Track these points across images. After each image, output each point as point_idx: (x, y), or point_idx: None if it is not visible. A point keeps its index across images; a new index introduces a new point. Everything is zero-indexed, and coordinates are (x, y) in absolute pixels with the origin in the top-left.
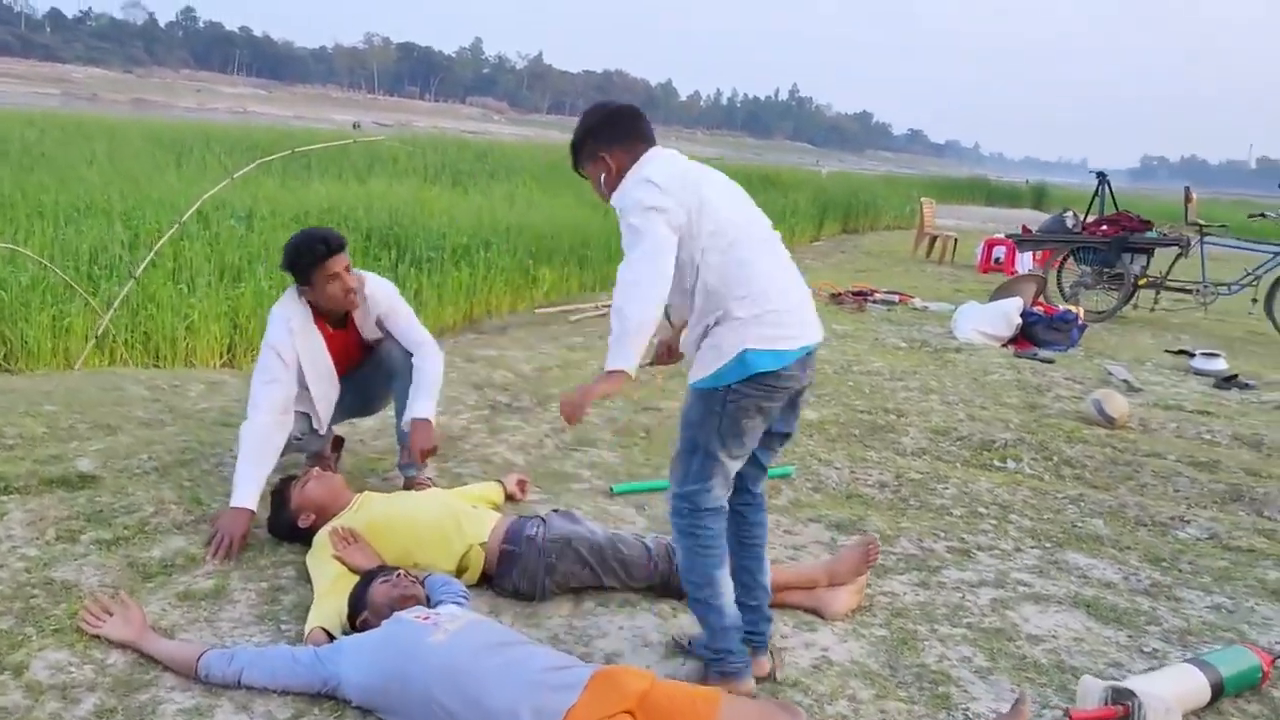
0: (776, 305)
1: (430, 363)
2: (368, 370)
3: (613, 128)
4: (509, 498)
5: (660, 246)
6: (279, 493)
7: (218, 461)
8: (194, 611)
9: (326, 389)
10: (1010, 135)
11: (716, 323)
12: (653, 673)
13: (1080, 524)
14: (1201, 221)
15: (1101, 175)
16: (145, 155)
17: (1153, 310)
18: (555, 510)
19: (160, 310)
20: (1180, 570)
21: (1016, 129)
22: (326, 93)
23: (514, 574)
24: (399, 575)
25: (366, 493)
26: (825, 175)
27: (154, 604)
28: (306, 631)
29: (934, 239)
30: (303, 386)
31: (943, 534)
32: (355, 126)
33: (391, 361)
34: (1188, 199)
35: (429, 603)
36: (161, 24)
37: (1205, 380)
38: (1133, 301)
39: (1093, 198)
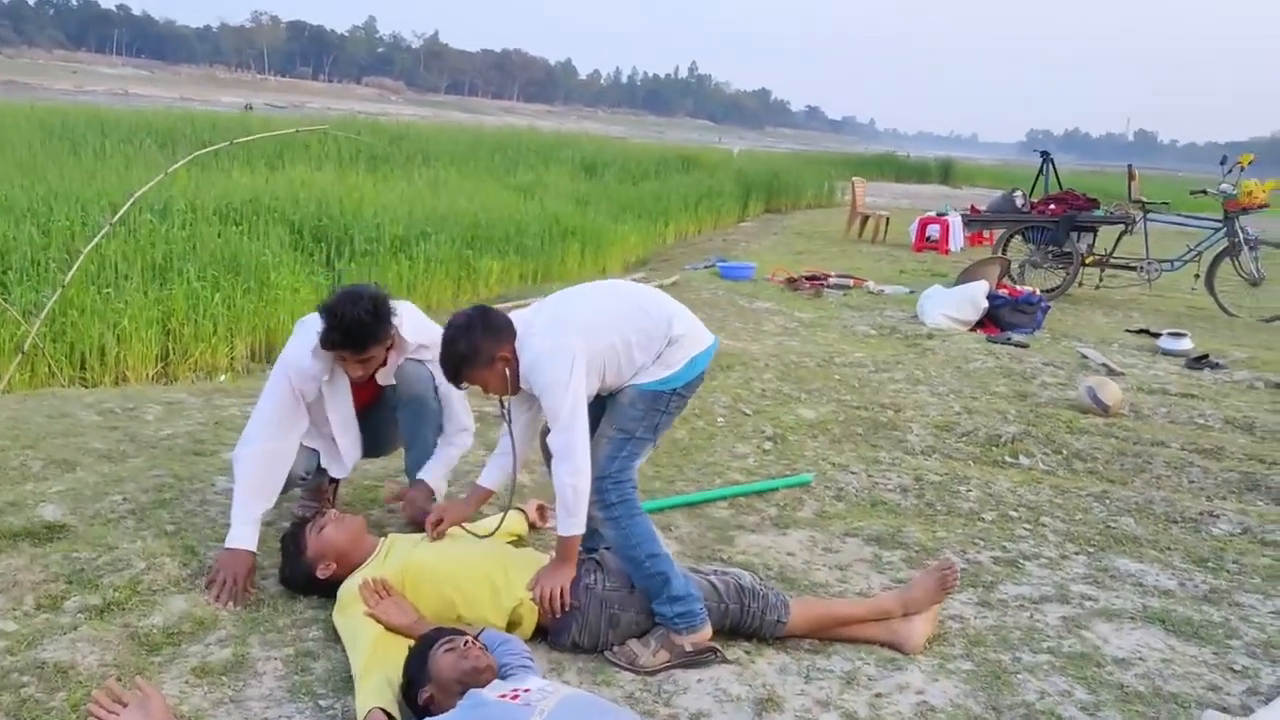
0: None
1: (461, 444)
2: (383, 409)
3: (490, 324)
4: (530, 526)
5: (579, 409)
6: (293, 538)
7: (200, 500)
8: (216, 690)
9: (350, 432)
10: (903, 111)
11: (658, 356)
12: None
13: (1112, 524)
14: (1145, 199)
15: (1045, 155)
16: (37, 145)
17: (1097, 288)
18: (607, 547)
19: (85, 318)
20: (1229, 572)
21: (909, 105)
22: (213, 73)
23: (573, 629)
24: (467, 643)
25: (392, 536)
26: (736, 155)
27: (168, 684)
28: (361, 713)
29: (866, 218)
30: (320, 425)
31: (982, 542)
32: (247, 108)
33: (404, 385)
34: (1131, 177)
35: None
36: (30, 1)
37: (1175, 360)
38: (1078, 280)
39: (1037, 176)
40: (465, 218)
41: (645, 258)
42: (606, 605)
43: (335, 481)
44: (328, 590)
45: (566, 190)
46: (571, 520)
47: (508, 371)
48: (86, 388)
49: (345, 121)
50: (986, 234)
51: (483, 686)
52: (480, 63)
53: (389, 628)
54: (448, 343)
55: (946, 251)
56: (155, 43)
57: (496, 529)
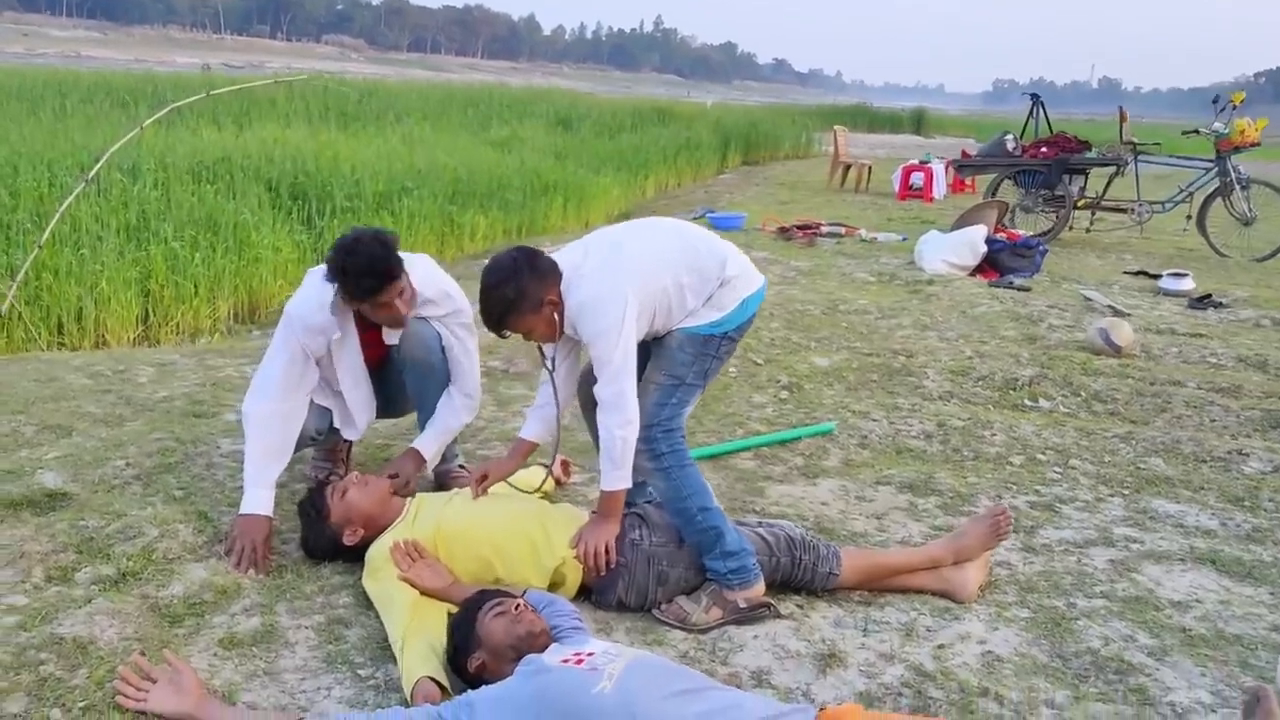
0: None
1: (462, 414)
2: (394, 369)
3: (537, 266)
4: (556, 483)
5: (631, 358)
6: (312, 503)
7: (206, 463)
8: (247, 662)
9: (362, 392)
10: (870, 63)
11: (709, 299)
12: (861, 708)
13: (1142, 465)
14: (1135, 140)
15: (1035, 97)
16: None
17: (1088, 231)
18: (648, 501)
19: (60, 280)
20: (1266, 510)
21: (876, 57)
22: (168, 33)
23: (619, 587)
24: (518, 606)
25: (419, 495)
26: (710, 107)
27: (195, 657)
28: (408, 683)
29: (848, 167)
30: (331, 383)
31: (1015, 487)
32: (205, 69)
33: (408, 347)
34: (1122, 118)
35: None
36: None
37: (1178, 301)
38: (1069, 223)
39: (1027, 120)
40: (446, 173)
41: (628, 210)
42: (654, 561)
43: (349, 441)
44: (353, 555)
45: (543, 145)
46: (617, 473)
47: (555, 316)
48: (69, 351)
49: (311, 79)
50: (968, 180)
51: (538, 651)
52: (442, 19)
53: (424, 592)
54: (491, 288)
55: (931, 199)
56: (108, 3)
57: (543, 484)
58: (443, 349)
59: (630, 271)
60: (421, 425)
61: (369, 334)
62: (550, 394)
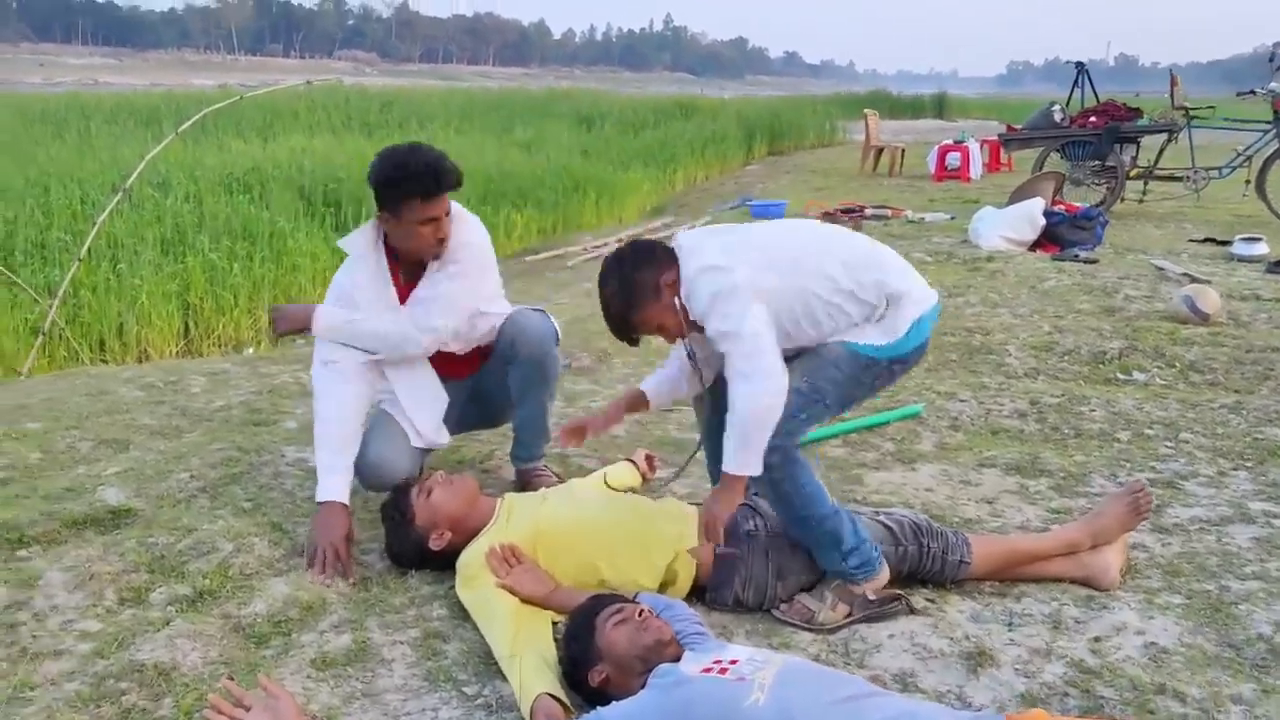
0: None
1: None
2: (484, 377)
3: (640, 251)
4: (642, 479)
5: (764, 333)
6: (395, 505)
7: (273, 472)
8: (343, 684)
9: (419, 375)
10: (882, 51)
11: (879, 317)
12: (1046, 715)
13: (1259, 435)
14: (1189, 104)
15: (1080, 66)
16: (20, 130)
17: (1141, 202)
18: (755, 493)
19: (99, 297)
20: None
21: (887, 45)
22: (183, 57)
23: (735, 584)
24: (642, 613)
25: (509, 496)
26: (728, 99)
27: (288, 680)
28: (525, 701)
29: (880, 151)
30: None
31: (1128, 464)
32: (223, 89)
33: (522, 339)
34: (1173, 83)
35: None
36: None
37: (1254, 266)
38: (1121, 194)
39: (1072, 90)
40: (476, 174)
41: (661, 205)
42: (772, 554)
43: None
44: (442, 563)
45: (568, 144)
46: (744, 454)
47: (678, 301)
48: (114, 366)
49: (331, 89)
50: (1005, 159)
51: (668, 660)
52: (452, 28)
53: (523, 599)
54: (603, 289)
55: (968, 179)
56: (121, 29)
57: (675, 482)
58: (557, 338)
59: (753, 248)
60: (519, 422)
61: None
62: (681, 361)
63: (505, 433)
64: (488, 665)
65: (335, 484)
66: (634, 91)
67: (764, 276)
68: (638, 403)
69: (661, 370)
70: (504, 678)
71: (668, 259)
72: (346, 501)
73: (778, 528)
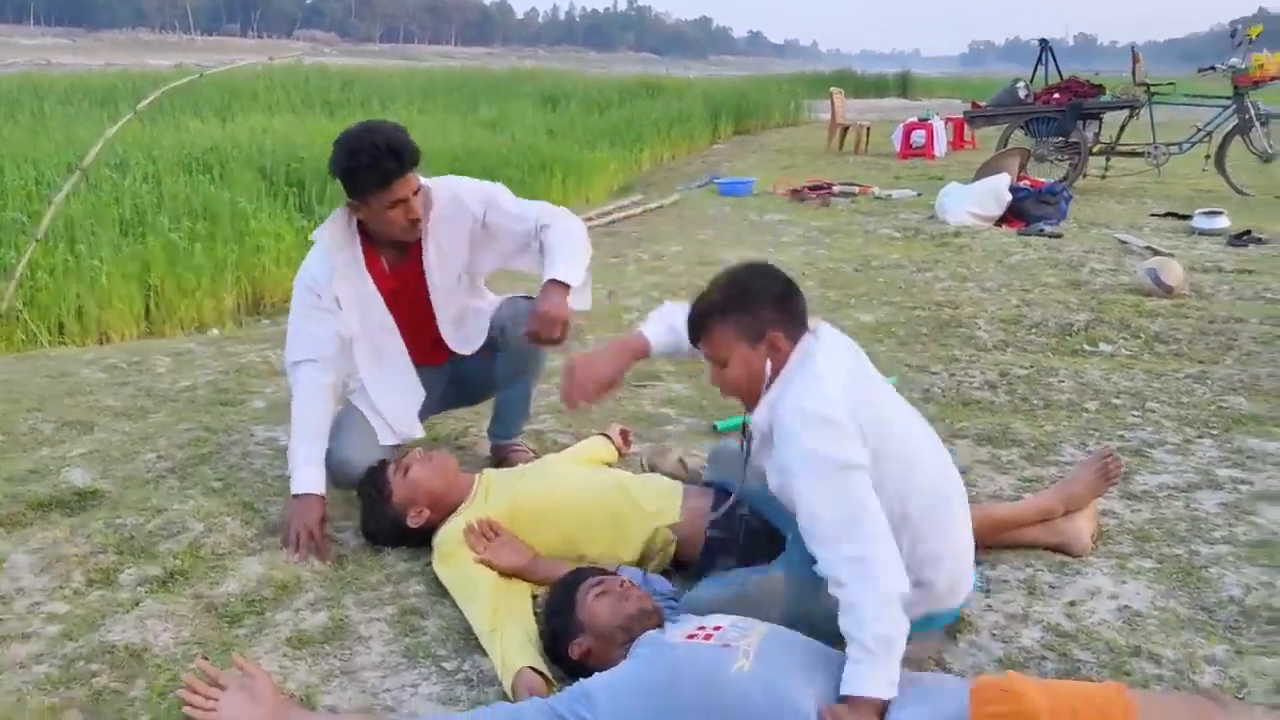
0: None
1: (563, 225)
2: (467, 366)
3: (783, 300)
4: (617, 453)
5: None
6: (372, 482)
7: (242, 452)
8: (321, 662)
9: (393, 370)
10: (845, 31)
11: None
12: (1021, 677)
13: (1223, 404)
14: (1150, 81)
15: (1045, 42)
16: None
17: (1103, 177)
18: (744, 512)
19: (57, 279)
20: None
21: (850, 25)
22: (137, 36)
23: (719, 562)
24: (623, 584)
25: (487, 473)
26: (693, 78)
27: (264, 659)
28: (506, 675)
29: (846, 129)
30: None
31: (1096, 433)
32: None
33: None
34: (1135, 59)
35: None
36: None
37: (1215, 239)
38: (1084, 170)
39: (1036, 66)
40: (442, 154)
41: (628, 184)
42: (757, 534)
43: None
44: (419, 540)
45: (533, 123)
46: (877, 674)
47: (768, 366)
48: (75, 348)
49: (291, 68)
50: (969, 136)
51: (650, 630)
52: (413, 7)
53: (503, 572)
54: (729, 275)
55: (933, 156)
56: (74, 9)
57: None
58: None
59: (880, 420)
60: (500, 402)
61: (393, 285)
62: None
63: (481, 409)
64: (467, 640)
65: (311, 476)
66: (599, 72)
67: (875, 452)
68: (641, 350)
69: (663, 317)
70: (484, 652)
71: (798, 325)
72: (323, 493)
73: (762, 501)
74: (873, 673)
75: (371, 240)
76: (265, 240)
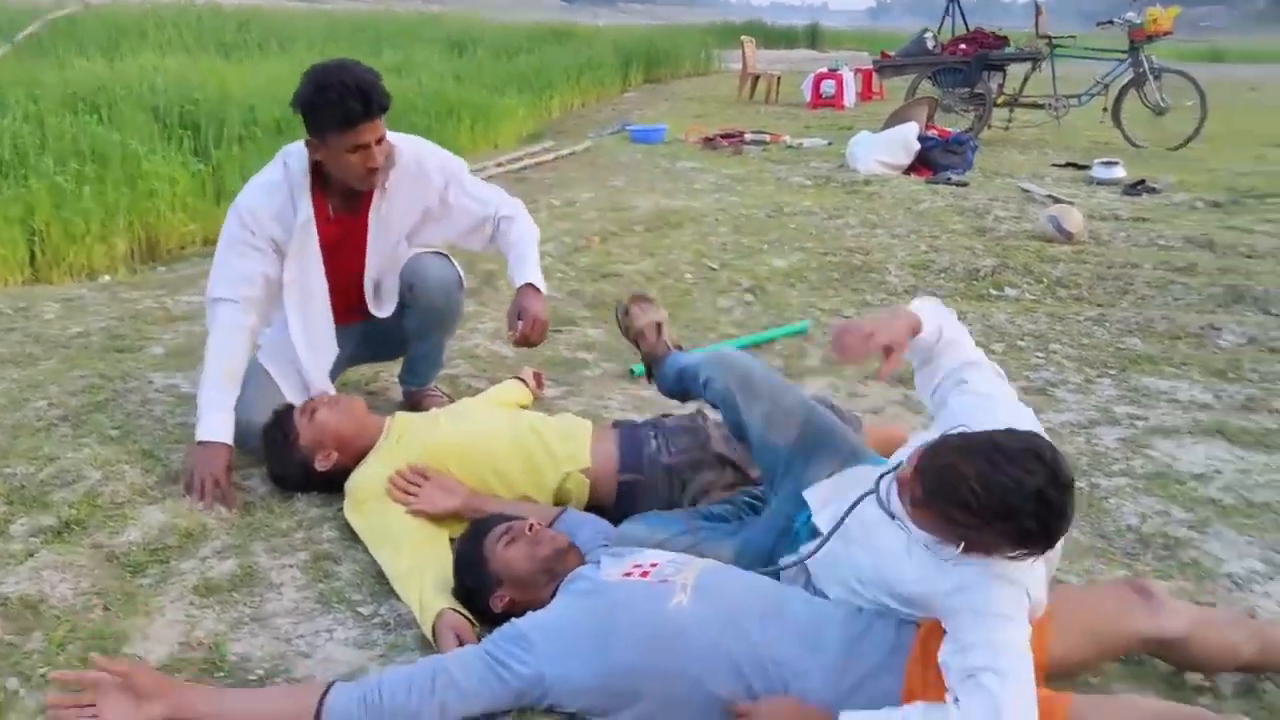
0: None
1: (525, 223)
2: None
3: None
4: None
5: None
6: (278, 425)
7: (140, 399)
8: (230, 609)
9: (315, 322)
10: None
11: None
12: None
13: (1121, 345)
14: (1051, 34)
15: None
16: None
17: (1006, 128)
18: (666, 415)
19: None
20: (1251, 380)
21: None
22: None
23: (638, 506)
24: (531, 527)
25: (398, 416)
26: (602, 26)
27: (169, 608)
28: (426, 619)
29: (757, 79)
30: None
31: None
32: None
33: (423, 288)
34: (1038, 13)
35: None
36: None
37: (1112, 189)
38: (989, 121)
39: (943, 18)
40: None
41: (537, 131)
42: (675, 473)
43: None
44: (328, 484)
45: (440, 69)
46: None
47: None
48: None
49: (181, 7)
50: (877, 87)
51: (571, 568)
52: None
53: (438, 518)
54: (972, 457)
55: (842, 107)
56: None
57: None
58: (461, 285)
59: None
60: (408, 364)
61: (335, 233)
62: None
63: None
64: (382, 585)
65: (219, 422)
66: (505, 18)
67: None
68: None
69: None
70: (399, 598)
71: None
72: (229, 441)
73: (681, 444)
74: None
75: (322, 184)
76: (159, 184)
